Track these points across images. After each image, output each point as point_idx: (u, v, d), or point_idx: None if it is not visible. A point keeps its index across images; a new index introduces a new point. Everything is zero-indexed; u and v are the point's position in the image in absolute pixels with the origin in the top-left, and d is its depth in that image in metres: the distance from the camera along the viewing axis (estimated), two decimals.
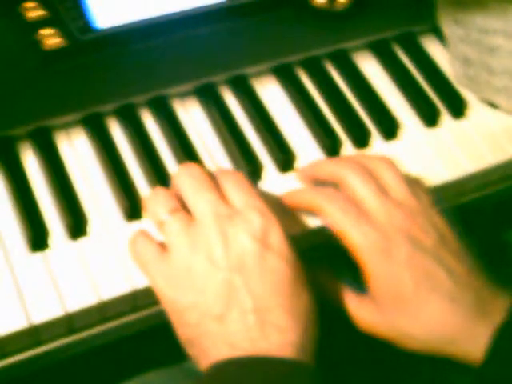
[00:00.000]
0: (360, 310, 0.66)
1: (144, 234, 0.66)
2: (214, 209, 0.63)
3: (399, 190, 0.67)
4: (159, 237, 0.65)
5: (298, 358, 0.59)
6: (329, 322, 0.62)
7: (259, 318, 0.59)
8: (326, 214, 0.66)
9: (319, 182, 0.70)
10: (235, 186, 0.65)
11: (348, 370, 0.77)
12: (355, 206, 0.65)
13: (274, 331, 0.59)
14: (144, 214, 0.68)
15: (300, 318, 0.60)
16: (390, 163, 0.69)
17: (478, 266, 0.66)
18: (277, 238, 0.62)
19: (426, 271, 0.63)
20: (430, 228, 0.65)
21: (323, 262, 0.69)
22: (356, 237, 0.64)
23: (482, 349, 0.62)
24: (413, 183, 0.69)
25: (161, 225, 0.64)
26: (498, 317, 0.63)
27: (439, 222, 0.67)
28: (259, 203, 0.64)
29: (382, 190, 0.66)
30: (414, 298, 0.63)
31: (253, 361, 0.58)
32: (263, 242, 0.61)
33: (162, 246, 0.64)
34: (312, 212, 0.68)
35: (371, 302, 0.65)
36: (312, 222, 0.70)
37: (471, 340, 0.63)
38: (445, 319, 0.63)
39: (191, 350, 0.62)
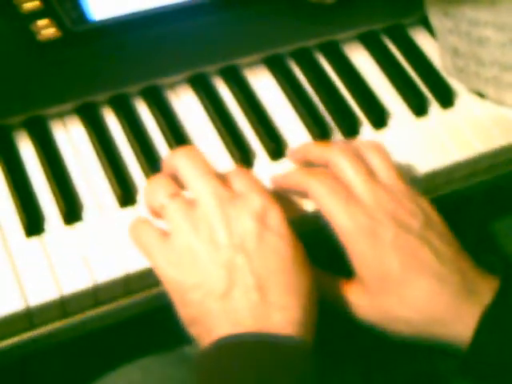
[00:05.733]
0: (348, 294, 0.66)
1: (144, 219, 0.67)
2: (216, 191, 0.64)
3: (387, 174, 0.68)
4: (158, 223, 0.66)
5: (299, 336, 0.60)
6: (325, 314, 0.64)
7: (262, 296, 0.60)
8: (314, 195, 0.67)
9: (309, 164, 0.71)
10: (235, 169, 0.67)
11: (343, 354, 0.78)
12: (343, 187, 0.66)
13: (277, 309, 0.60)
14: (143, 198, 0.69)
15: (301, 297, 0.61)
16: (379, 148, 0.70)
17: (464, 250, 0.66)
18: (276, 218, 0.63)
19: (412, 252, 0.64)
20: (417, 211, 0.66)
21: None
22: (343, 218, 0.65)
23: (469, 329, 0.62)
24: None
25: (161, 209, 0.65)
26: (485, 297, 0.63)
27: (426, 205, 0.67)
28: (259, 185, 0.65)
29: (370, 172, 0.67)
30: (401, 278, 0.64)
31: (254, 338, 0.59)
32: (263, 222, 0.63)
33: (163, 231, 0.65)
34: (301, 194, 0.69)
35: (359, 284, 0.66)
36: (303, 208, 0.71)
37: (459, 320, 0.63)
38: (432, 299, 0.63)
39: (193, 329, 0.63)
